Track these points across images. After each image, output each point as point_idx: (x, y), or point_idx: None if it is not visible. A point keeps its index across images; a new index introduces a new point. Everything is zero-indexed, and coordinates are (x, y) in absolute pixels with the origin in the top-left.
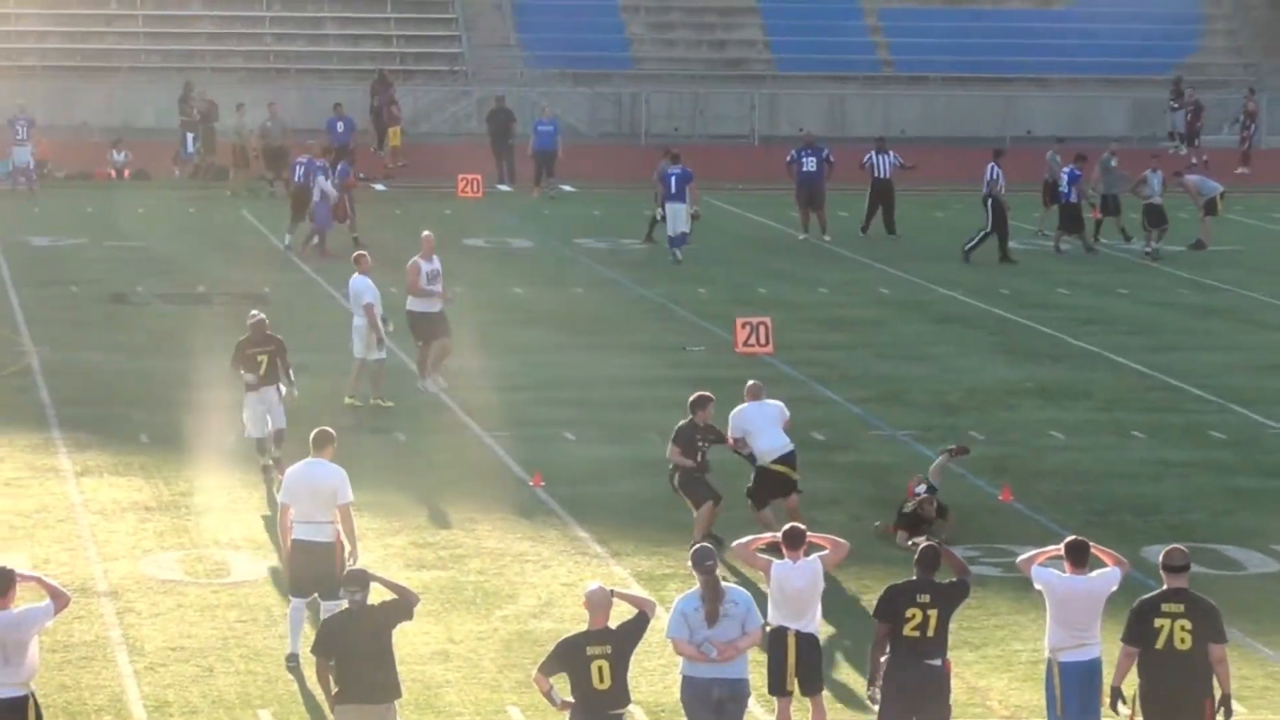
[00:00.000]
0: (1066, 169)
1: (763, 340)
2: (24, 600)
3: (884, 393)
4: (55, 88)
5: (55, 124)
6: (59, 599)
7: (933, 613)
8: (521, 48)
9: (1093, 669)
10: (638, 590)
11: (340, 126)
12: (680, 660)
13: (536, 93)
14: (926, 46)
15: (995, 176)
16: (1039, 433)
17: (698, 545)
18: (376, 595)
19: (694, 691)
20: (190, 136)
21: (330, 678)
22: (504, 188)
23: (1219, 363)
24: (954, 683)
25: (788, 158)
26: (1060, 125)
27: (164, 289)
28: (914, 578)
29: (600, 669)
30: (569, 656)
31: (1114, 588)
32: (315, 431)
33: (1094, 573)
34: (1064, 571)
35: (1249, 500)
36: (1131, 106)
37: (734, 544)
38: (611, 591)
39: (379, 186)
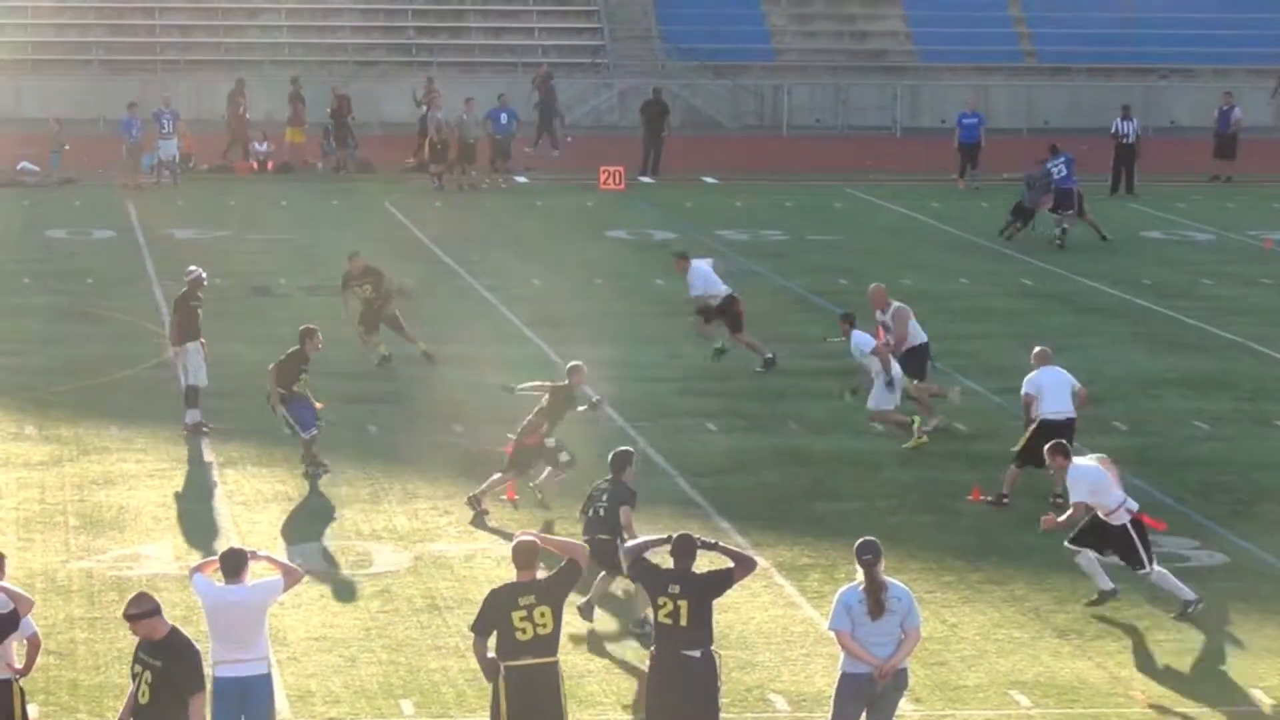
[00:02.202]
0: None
1: None
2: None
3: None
4: (198, 81)
5: (200, 117)
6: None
7: (683, 603)
8: (663, 40)
9: (251, 686)
10: (564, 537)
11: (504, 118)
12: (841, 655)
13: (678, 85)
14: (1070, 37)
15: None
16: (1182, 423)
17: (861, 539)
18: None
19: (853, 689)
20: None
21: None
22: (647, 179)
23: None
24: (1095, 673)
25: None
26: (1205, 116)
27: (307, 281)
28: (671, 566)
29: (531, 620)
30: (499, 610)
31: (277, 597)
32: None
33: (252, 583)
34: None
35: None
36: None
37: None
38: (539, 538)
39: (520, 179)
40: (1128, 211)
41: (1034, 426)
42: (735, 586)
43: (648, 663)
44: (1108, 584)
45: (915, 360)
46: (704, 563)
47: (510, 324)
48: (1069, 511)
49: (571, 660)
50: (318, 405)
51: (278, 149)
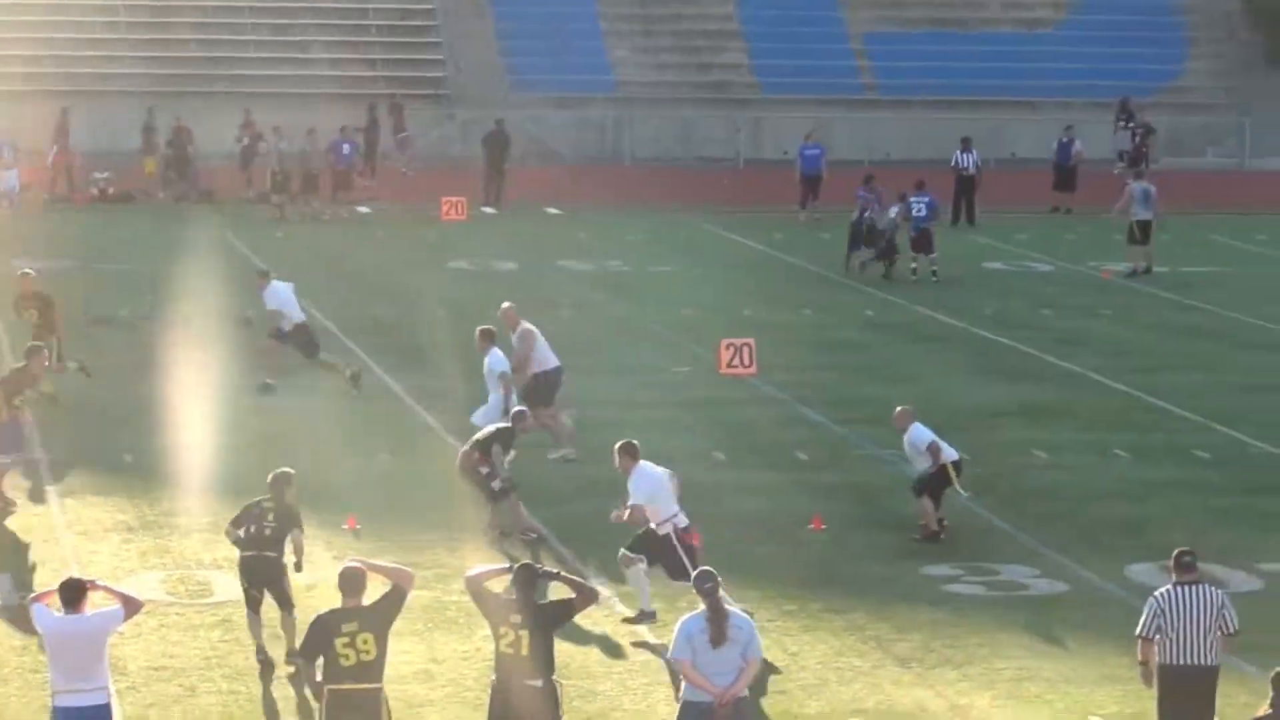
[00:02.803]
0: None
1: (746, 362)
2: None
3: (868, 414)
4: (41, 111)
5: (39, 148)
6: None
7: (524, 633)
8: (506, 72)
9: (90, 717)
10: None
11: (346, 148)
12: (682, 684)
13: (521, 116)
14: (910, 70)
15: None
16: (1022, 452)
17: (700, 569)
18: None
19: (695, 717)
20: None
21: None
22: (489, 210)
23: (1202, 383)
24: (936, 701)
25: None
26: (1045, 148)
27: (147, 311)
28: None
29: (354, 646)
30: (324, 636)
31: (117, 626)
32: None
33: (91, 612)
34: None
35: (1232, 519)
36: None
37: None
38: (365, 565)
39: (362, 209)
40: (968, 243)
41: (942, 467)
42: (577, 616)
43: (489, 692)
44: (648, 605)
45: (545, 386)
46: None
47: (353, 354)
48: (628, 510)
49: (413, 690)
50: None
51: (133, 179)
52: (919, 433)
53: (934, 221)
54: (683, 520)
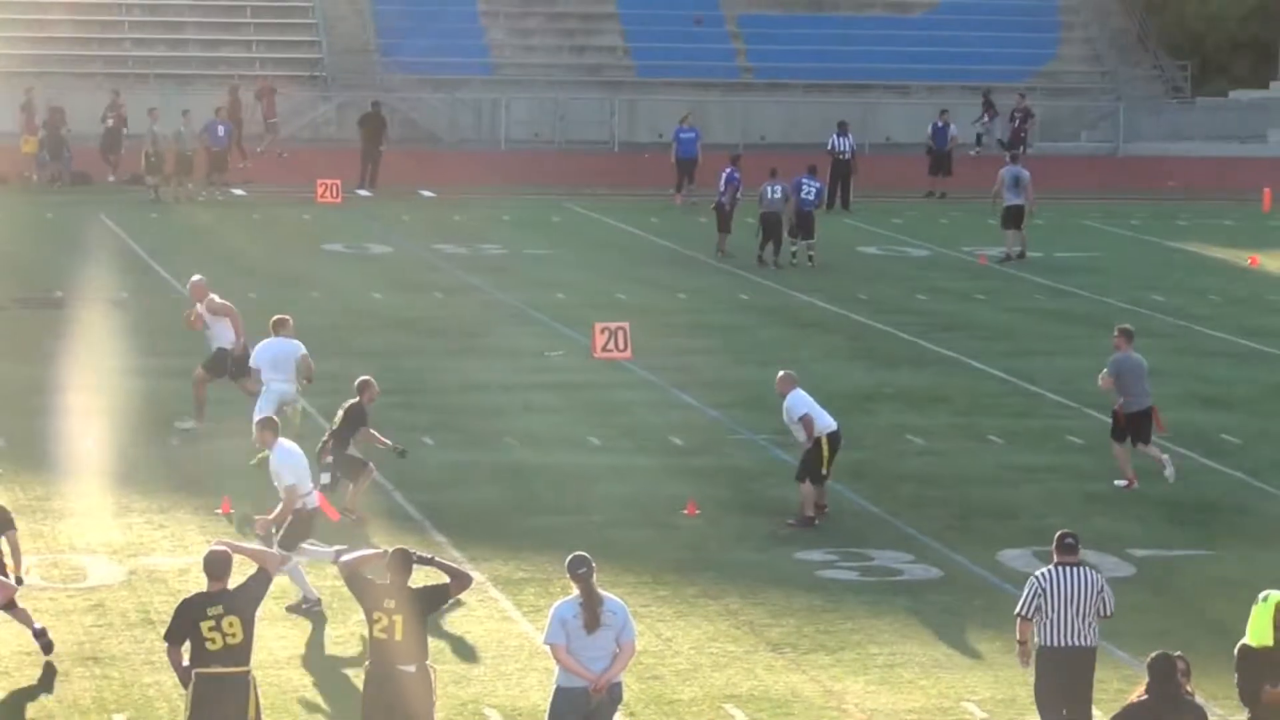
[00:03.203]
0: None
1: (621, 345)
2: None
3: (743, 398)
4: None
5: None
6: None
7: (398, 617)
8: (381, 53)
9: None
10: (257, 545)
11: (220, 130)
12: (555, 669)
13: (396, 98)
14: (786, 54)
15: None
16: (897, 437)
17: (574, 554)
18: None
19: (569, 703)
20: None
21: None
22: (364, 193)
23: (1076, 368)
24: (809, 686)
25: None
26: (919, 132)
27: (20, 293)
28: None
29: (220, 630)
30: (189, 619)
31: None
32: None
33: None
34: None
35: (1105, 505)
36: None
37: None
38: (231, 547)
39: (237, 191)
40: (844, 227)
41: (816, 441)
42: (451, 601)
43: (363, 678)
44: (312, 594)
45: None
46: (421, 577)
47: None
48: (280, 505)
49: (285, 675)
50: None
51: (9, 160)
52: (794, 399)
53: (817, 207)
54: (314, 500)
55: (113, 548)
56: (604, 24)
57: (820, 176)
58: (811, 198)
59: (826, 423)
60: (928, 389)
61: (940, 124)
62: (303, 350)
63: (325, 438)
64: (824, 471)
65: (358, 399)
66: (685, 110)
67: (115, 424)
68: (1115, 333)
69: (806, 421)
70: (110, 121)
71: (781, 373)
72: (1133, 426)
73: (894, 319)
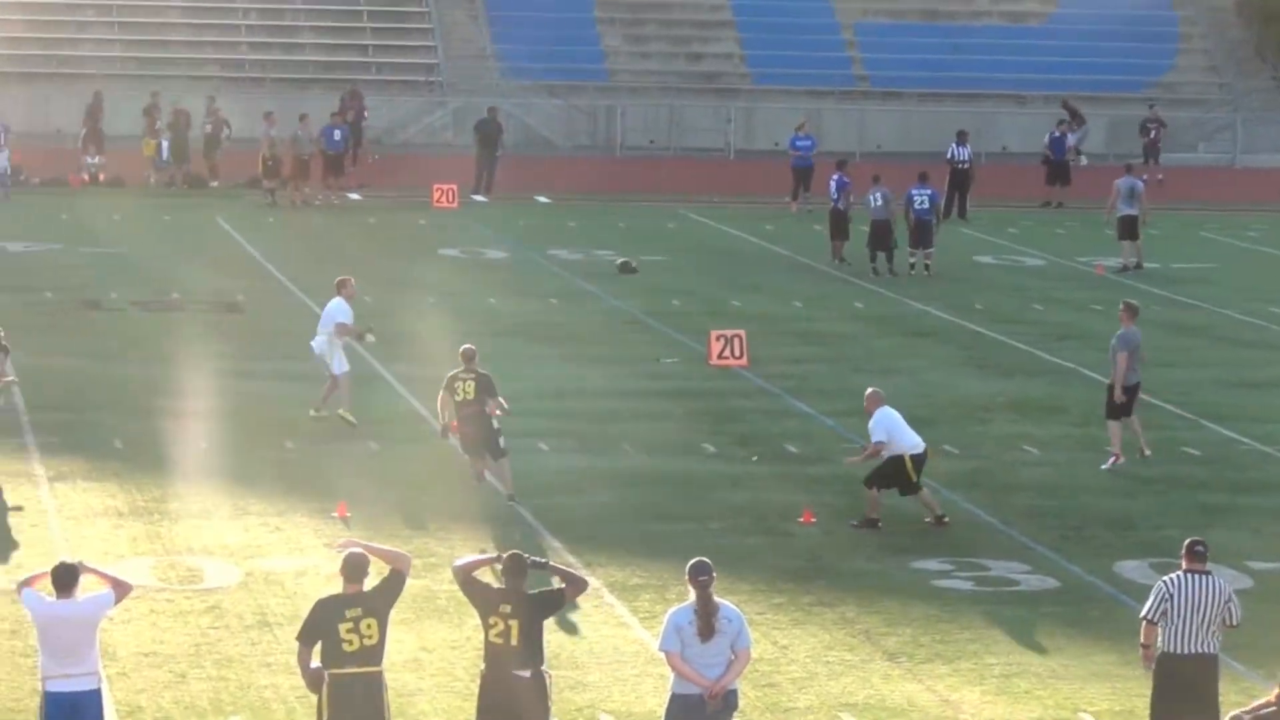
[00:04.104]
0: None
1: (737, 353)
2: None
3: (858, 406)
4: (30, 94)
5: (31, 131)
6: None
7: (514, 622)
8: (497, 59)
9: (81, 701)
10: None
11: (337, 134)
12: (670, 675)
13: (512, 104)
14: (902, 62)
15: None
16: (1012, 447)
17: (696, 559)
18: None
19: (685, 709)
20: (165, 144)
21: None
22: (480, 198)
23: (1192, 379)
24: (925, 696)
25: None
26: (1035, 142)
27: (138, 296)
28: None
29: (357, 631)
30: (326, 621)
31: (108, 611)
32: None
33: (83, 597)
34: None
35: (1221, 516)
36: (1107, 124)
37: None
38: (365, 549)
39: (354, 196)
40: (960, 236)
41: (899, 459)
42: (566, 606)
43: (479, 682)
44: None
45: None
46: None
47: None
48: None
49: (403, 678)
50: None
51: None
52: (875, 420)
53: (934, 215)
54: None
55: (229, 550)
56: (720, 31)
57: (934, 184)
58: (926, 206)
59: (911, 443)
60: (1043, 399)
61: (1057, 133)
62: (338, 318)
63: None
64: (915, 481)
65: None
66: (801, 118)
67: (231, 426)
68: (1121, 307)
69: (878, 448)
70: (209, 127)
71: (870, 390)
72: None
73: (1009, 329)
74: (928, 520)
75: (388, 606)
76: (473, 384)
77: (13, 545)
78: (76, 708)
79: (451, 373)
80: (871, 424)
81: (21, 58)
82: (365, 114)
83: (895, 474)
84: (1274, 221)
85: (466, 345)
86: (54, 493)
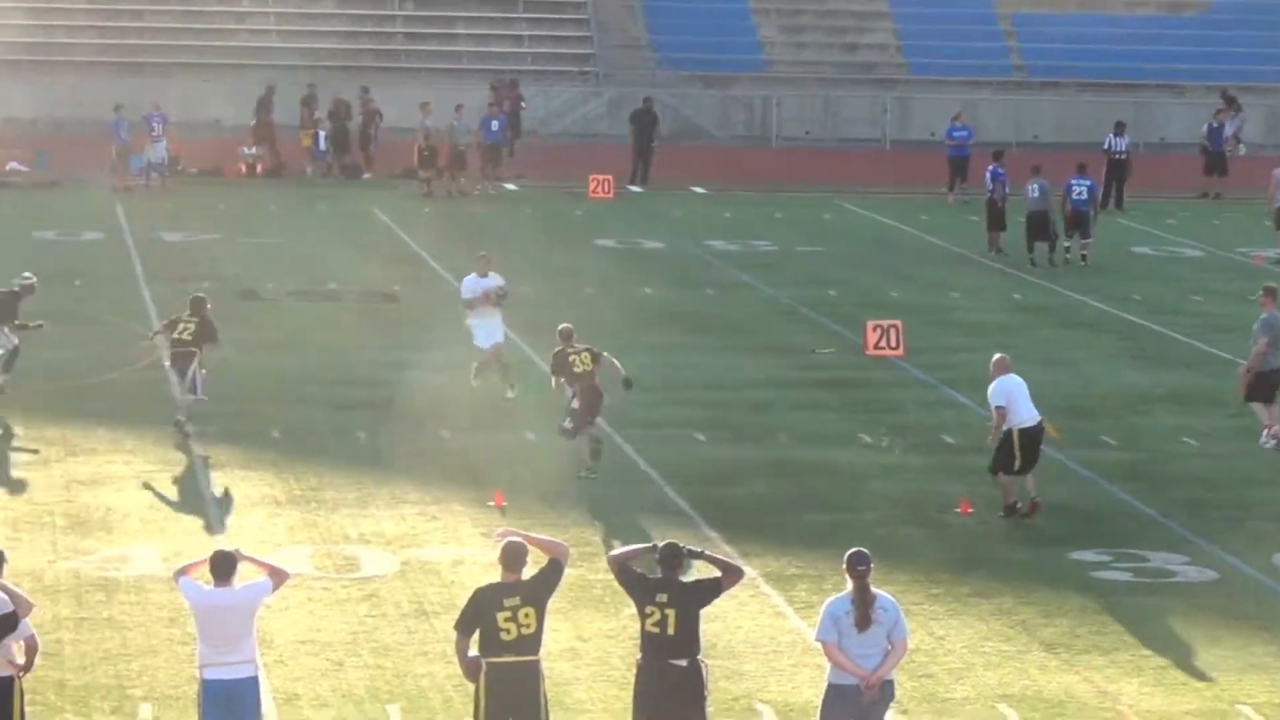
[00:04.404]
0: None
1: (893, 343)
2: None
3: None
4: (187, 85)
5: (189, 120)
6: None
7: (670, 611)
8: (653, 49)
9: (238, 689)
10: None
11: (494, 125)
12: (827, 665)
13: (667, 94)
14: (1059, 52)
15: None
16: (1172, 438)
17: (855, 549)
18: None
19: (840, 700)
20: (322, 135)
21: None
22: (636, 189)
23: None
24: (1083, 687)
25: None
26: (1193, 132)
27: (294, 286)
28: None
29: (515, 620)
30: (485, 609)
31: (265, 599)
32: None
33: (241, 585)
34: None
35: None
36: (1266, 114)
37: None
38: (524, 538)
39: (510, 186)
40: (1117, 227)
41: (1007, 433)
42: (723, 596)
43: (634, 671)
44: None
45: None
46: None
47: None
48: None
49: (559, 668)
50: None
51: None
52: (996, 386)
53: (1091, 206)
54: None
55: (386, 539)
56: (876, 22)
57: (1092, 175)
58: (1084, 197)
59: (1022, 416)
60: (1202, 390)
61: (1215, 124)
62: (463, 294)
63: None
64: (1015, 465)
65: None
66: (957, 108)
67: (388, 415)
68: (1261, 291)
69: (1000, 414)
70: (360, 118)
71: (996, 355)
72: (1270, 385)
73: (1168, 320)
74: (1018, 505)
75: (546, 596)
76: (587, 355)
77: (172, 532)
78: (233, 694)
79: (557, 350)
80: (991, 389)
81: (179, 48)
82: (523, 104)
83: (1008, 452)
84: None
85: (564, 324)
86: (211, 482)
